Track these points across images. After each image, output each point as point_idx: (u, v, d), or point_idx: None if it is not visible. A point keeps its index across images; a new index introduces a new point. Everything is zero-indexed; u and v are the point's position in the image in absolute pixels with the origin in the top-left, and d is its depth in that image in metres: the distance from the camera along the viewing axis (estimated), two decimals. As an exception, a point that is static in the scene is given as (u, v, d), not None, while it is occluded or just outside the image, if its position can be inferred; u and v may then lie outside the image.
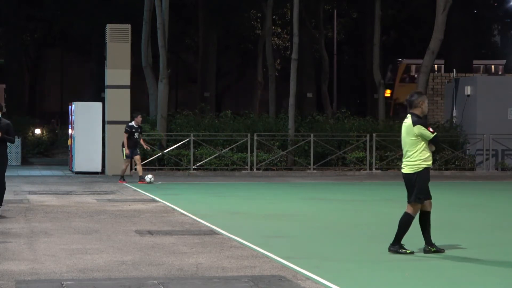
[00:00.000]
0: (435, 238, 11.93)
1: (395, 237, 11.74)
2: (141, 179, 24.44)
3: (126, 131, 24.34)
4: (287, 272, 10.28)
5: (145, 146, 25.62)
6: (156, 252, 11.72)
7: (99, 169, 27.63)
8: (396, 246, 11.71)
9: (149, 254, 11.50)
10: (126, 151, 24.19)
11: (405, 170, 11.72)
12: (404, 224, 11.70)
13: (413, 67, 56.70)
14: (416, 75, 56.49)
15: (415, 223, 11.81)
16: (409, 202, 11.70)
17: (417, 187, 11.59)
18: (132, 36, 27.92)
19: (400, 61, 54.64)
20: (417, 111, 11.75)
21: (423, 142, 11.61)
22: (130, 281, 9.67)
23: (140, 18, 31.37)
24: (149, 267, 10.53)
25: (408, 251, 11.68)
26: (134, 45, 30.06)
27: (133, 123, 24.49)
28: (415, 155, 11.60)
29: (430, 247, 11.79)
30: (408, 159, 11.69)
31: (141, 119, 24.67)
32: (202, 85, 43.70)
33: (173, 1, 33.31)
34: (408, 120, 11.74)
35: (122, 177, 24.59)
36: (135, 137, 24.34)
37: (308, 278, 9.97)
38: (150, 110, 31.26)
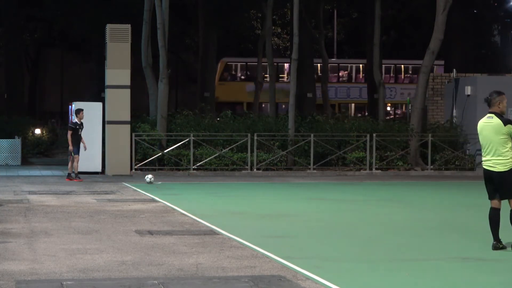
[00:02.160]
0: (434, 238, 11.93)
1: (493, 235, 11.98)
2: (69, 176, 24.81)
3: (70, 128, 24.71)
4: (287, 272, 10.28)
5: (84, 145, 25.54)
6: (156, 252, 11.71)
7: (99, 169, 27.63)
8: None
9: (149, 254, 11.50)
10: (70, 147, 24.50)
11: (498, 168, 11.82)
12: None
13: (234, 66, 55.70)
14: (239, 74, 55.48)
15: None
16: (503, 199, 11.90)
17: (511, 184, 11.82)
18: (132, 36, 27.90)
19: (220, 59, 52.82)
20: (496, 110, 11.89)
21: (511, 142, 11.82)
22: (130, 281, 9.67)
23: (140, 18, 31.35)
24: (149, 267, 10.53)
25: (500, 246, 11.95)
26: (134, 45, 30.02)
27: (76, 119, 24.73)
28: (508, 154, 11.79)
29: (499, 244, 12.01)
30: (499, 158, 11.81)
31: (83, 115, 24.89)
32: (202, 85, 43.68)
33: (173, 1, 33.27)
34: (493, 120, 11.84)
35: (77, 175, 24.78)
36: (79, 133, 24.67)
37: (308, 278, 9.97)
38: (150, 110, 31.23)
